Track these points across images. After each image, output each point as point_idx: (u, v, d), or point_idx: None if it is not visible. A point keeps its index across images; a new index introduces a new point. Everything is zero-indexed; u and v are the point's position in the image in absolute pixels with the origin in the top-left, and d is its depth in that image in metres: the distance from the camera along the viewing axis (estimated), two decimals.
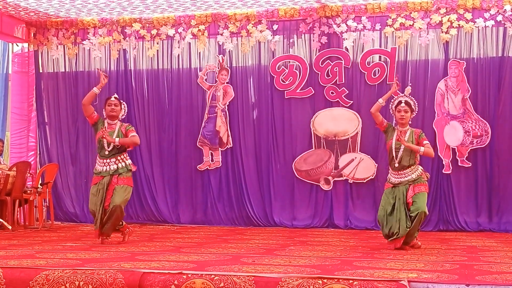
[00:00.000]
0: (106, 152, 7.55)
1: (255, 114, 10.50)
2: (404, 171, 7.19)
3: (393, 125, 7.48)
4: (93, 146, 10.82)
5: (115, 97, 7.75)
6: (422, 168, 7.31)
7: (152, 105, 10.80)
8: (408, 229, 7.06)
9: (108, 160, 7.56)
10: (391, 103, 7.51)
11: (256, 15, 10.33)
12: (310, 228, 9.98)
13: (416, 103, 7.48)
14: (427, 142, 7.31)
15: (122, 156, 7.62)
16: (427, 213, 7.27)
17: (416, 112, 7.48)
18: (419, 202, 7.08)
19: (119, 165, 7.57)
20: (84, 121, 10.91)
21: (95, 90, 7.69)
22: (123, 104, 7.87)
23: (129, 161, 7.68)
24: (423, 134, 7.36)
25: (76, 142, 11.04)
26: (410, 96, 7.57)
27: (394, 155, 7.22)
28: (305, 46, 10.31)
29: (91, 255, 6.28)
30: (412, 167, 7.20)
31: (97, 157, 7.69)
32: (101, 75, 7.76)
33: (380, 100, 7.44)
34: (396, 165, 7.19)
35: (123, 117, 7.88)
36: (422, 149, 7.19)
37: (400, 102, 7.31)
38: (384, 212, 7.18)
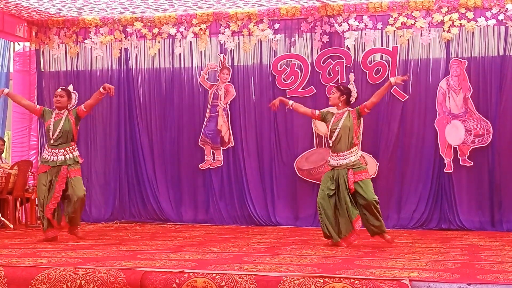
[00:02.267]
0: (52, 141, 7.67)
1: (256, 113, 10.50)
2: (343, 153, 7.27)
3: (331, 111, 7.57)
4: (95, 145, 10.89)
5: (62, 89, 7.93)
6: (362, 153, 7.42)
7: (153, 104, 10.81)
8: (367, 220, 7.19)
9: (56, 151, 7.66)
10: None
11: (258, 14, 10.33)
12: (311, 227, 9.98)
13: (354, 88, 7.67)
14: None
15: (70, 147, 7.71)
16: (377, 199, 7.26)
17: (351, 95, 7.60)
18: (366, 193, 7.15)
19: (67, 156, 7.66)
20: (84, 120, 10.87)
21: (6, 90, 7.97)
22: (74, 94, 7.97)
23: (76, 153, 7.78)
24: (359, 107, 7.44)
25: (78, 141, 10.99)
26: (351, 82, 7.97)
27: (329, 136, 7.36)
28: (306, 45, 10.31)
29: (93, 254, 6.28)
30: (352, 149, 7.28)
31: (46, 145, 7.82)
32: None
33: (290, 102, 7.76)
34: (331, 145, 7.32)
35: (73, 106, 7.95)
36: (392, 79, 7.48)
37: (332, 86, 7.67)
38: (324, 196, 7.24)
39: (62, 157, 7.64)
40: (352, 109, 7.43)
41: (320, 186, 7.42)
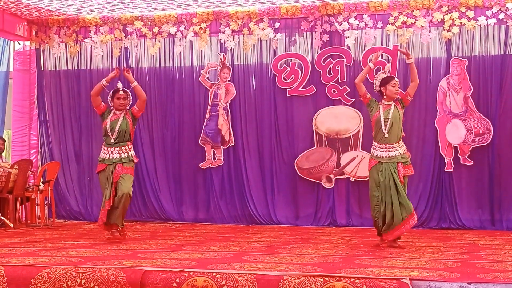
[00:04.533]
0: (112, 140, 7.71)
1: (257, 112, 10.49)
2: (392, 145, 7.10)
3: (376, 101, 7.35)
4: (96, 144, 10.84)
5: (123, 90, 7.85)
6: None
7: (154, 103, 10.80)
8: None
9: (112, 149, 7.72)
10: (375, 79, 7.42)
11: (258, 13, 10.32)
12: (312, 226, 9.98)
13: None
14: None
15: (126, 147, 7.77)
16: None
17: None
18: (404, 190, 7.02)
19: (123, 155, 7.72)
20: (86, 119, 10.96)
21: (103, 82, 7.87)
22: (129, 93, 7.97)
23: (132, 152, 7.82)
24: (401, 98, 7.30)
25: (79, 140, 11.04)
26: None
27: (383, 125, 7.10)
28: (307, 44, 10.30)
29: (93, 253, 6.29)
30: (399, 141, 7.14)
31: (103, 144, 7.84)
32: (116, 69, 8.00)
33: (371, 64, 7.54)
34: (386, 135, 7.09)
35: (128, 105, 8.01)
36: (412, 59, 7.30)
37: (392, 77, 7.35)
38: (380, 192, 6.99)
39: (117, 155, 7.70)
40: (395, 101, 7.24)
41: (372, 182, 7.12)
